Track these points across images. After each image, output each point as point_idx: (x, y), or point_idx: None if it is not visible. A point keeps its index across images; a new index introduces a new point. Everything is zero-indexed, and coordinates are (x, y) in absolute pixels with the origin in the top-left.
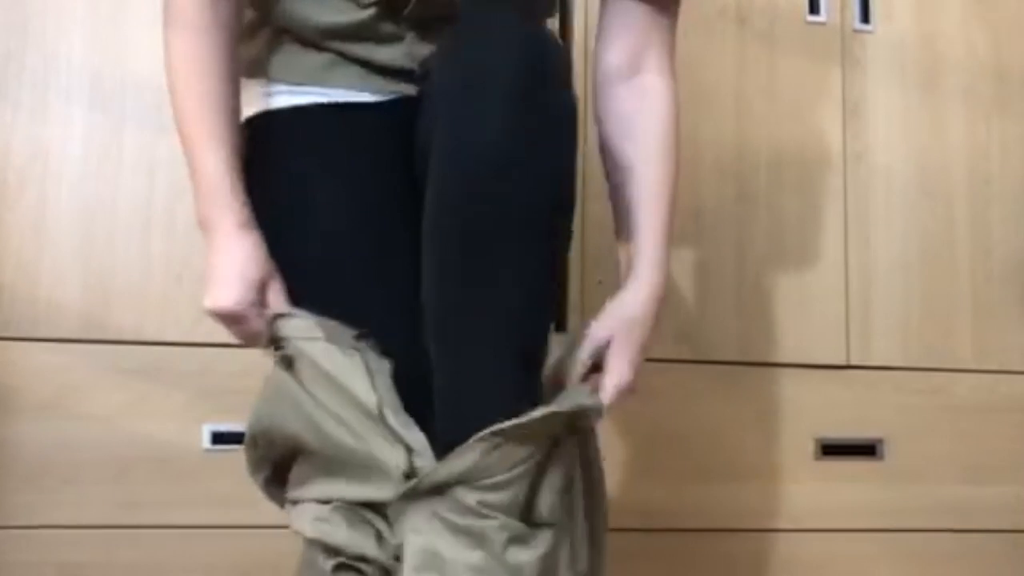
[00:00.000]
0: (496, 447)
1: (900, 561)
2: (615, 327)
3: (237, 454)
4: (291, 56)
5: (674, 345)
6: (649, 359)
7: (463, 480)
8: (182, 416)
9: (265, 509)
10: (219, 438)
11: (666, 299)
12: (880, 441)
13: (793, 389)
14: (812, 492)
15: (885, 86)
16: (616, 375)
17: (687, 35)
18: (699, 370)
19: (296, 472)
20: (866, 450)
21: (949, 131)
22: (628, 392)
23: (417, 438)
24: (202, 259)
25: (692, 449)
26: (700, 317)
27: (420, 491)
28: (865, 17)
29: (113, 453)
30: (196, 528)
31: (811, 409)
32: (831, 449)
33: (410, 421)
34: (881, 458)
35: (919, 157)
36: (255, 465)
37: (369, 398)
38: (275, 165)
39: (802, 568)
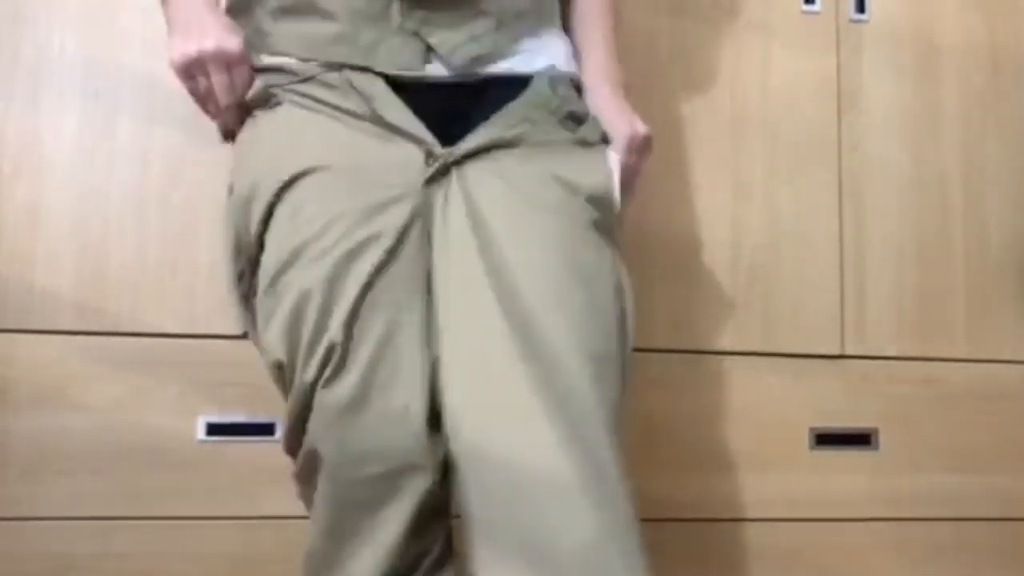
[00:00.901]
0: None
1: (894, 550)
2: (596, 89)
3: (232, 445)
4: (263, 31)
5: (669, 335)
6: (645, 349)
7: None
8: (177, 407)
9: (260, 500)
10: (214, 429)
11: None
12: (874, 431)
13: (788, 379)
14: (807, 482)
15: (880, 76)
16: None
17: (683, 26)
18: (694, 360)
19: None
20: (860, 440)
21: (944, 120)
22: (637, 142)
23: (424, 133)
24: (197, 249)
25: (687, 439)
26: (695, 307)
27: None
28: (860, 7)
29: (108, 445)
30: (191, 519)
31: (806, 399)
32: (826, 439)
33: (415, 121)
34: (875, 448)
35: (914, 146)
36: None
37: (362, 109)
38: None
39: (797, 557)
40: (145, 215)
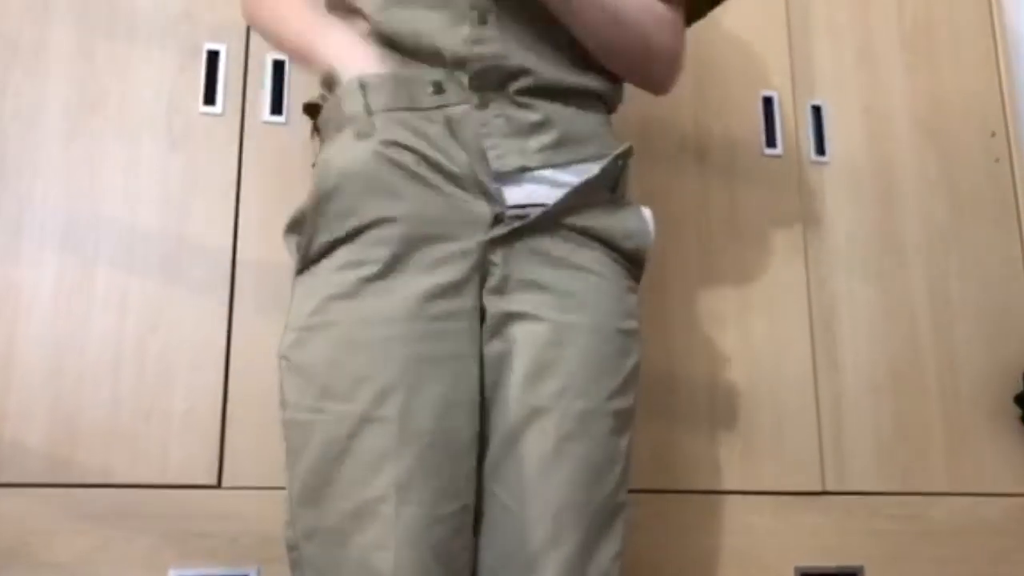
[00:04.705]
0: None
1: None
2: None
3: None
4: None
5: (651, 475)
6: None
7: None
8: (147, 561)
9: None
10: None
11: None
12: (860, 568)
13: (771, 517)
14: None
15: (843, 214)
16: None
17: (651, 169)
18: (676, 500)
19: None
20: None
21: (908, 255)
22: None
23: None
24: (172, 397)
25: None
26: (675, 448)
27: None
28: (820, 149)
29: None
30: None
31: (790, 537)
32: None
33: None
34: None
35: (880, 281)
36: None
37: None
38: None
39: None
40: (121, 363)
